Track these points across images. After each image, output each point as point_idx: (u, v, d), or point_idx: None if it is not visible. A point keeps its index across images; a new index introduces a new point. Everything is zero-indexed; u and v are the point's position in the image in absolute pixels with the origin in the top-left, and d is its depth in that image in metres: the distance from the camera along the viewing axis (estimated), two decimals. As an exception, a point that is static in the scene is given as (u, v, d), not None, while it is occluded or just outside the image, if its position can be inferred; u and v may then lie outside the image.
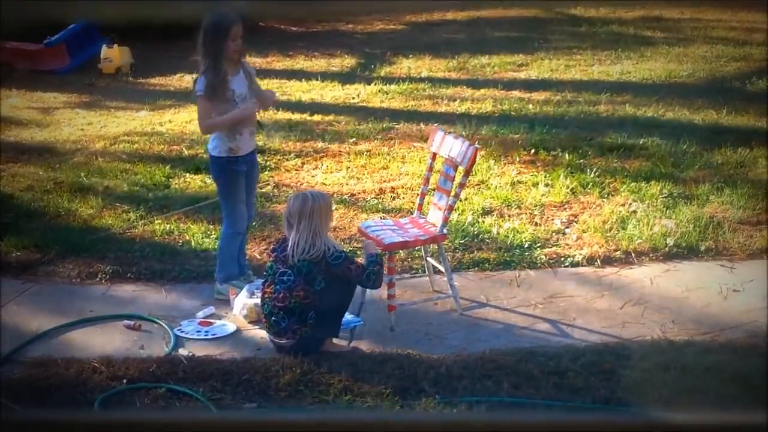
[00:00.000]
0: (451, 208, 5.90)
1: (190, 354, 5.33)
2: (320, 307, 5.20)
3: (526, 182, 8.00)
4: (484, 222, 7.14)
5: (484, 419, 1.11)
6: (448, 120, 9.97)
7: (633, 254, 6.50)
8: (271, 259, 5.41)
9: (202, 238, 6.93)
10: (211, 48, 5.61)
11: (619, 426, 1.16)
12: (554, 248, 6.67)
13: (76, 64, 13.43)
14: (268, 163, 8.78)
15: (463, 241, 6.78)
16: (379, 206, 7.60)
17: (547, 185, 7.86)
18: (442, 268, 5.91)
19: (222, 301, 6.01)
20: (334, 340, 5.37)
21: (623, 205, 7.37)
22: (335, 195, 7.77)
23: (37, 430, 1.14)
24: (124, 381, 4.99)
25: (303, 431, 1.09)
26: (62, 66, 13.32)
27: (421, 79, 12.23)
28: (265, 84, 12.27)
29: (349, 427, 1.10)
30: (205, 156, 8.76)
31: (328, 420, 1.11)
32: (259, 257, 6.62)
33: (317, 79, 12.43)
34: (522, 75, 12.56)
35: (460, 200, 6.98)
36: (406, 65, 13.34)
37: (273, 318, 5.25)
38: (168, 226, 7.18)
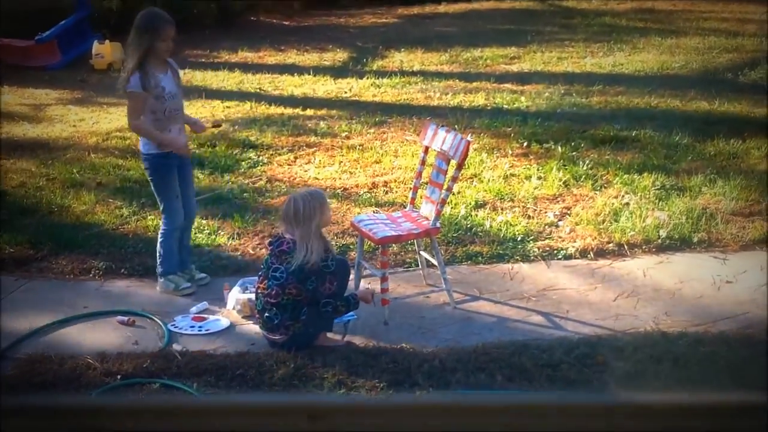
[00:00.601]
0: (443, 202, 5.90)
1: (184, 349, 5.33)
2: (313, 304, 5.20)
3: (518, 175, 8.01)
4: (477, 215, 7.15)
5: (474, 402, 1.11)
6: (440, 113, 9.98)
7: (626, 246, 6.51)
8: (267, 253, 5.40)
9: (195, 233, 6.91)
10: (143, 46, 5.64)
11: (610, 409, 1.16)
12: (547, 241, 6.68)
13: (67, 60, 13.41)
14: (260, 157, 8.78)
15: (456, 235, 6.79)
16: (372, 200, 7.60)
17: (539, 178, 7.87)
18: (435, 262, 5.91)
19: (217, 296, 6.01)
20: (328, 335, 5.37)
21: (616, 197, 7.38)
22: (328, 189, 7.77)
23: (32, 418, 1.14)
24: (118, 377, 4.99)
25: (294, 414, 1.09)
26: (54, 62, 13.30)
27: (414, 73, 12.24)
28: (257, 79, 12.29)
29: (344, 411, 1.10)
30: (197, 151, 8.77)
31: (320, 404, 1.11)
32: (252, 252, 6.61)
33: (309, 74, 12.42)
34: (514, 67, 12.57)
35: (453, 194, 6.99)
36: (398, 59, 13.34)
37: (266, 314, 5.25)
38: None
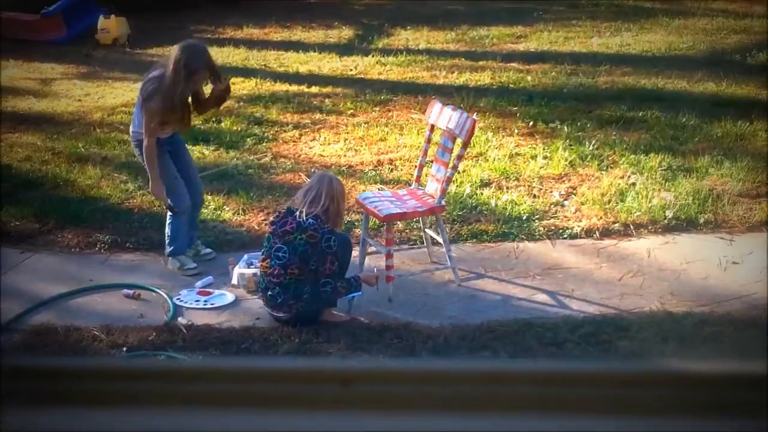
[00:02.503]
0: (449, 180, 5.89)
1: (189, 323, 5.34)
2: (315, 284, 5.20)
3: (524, 154, 7.99)
4: (482, 194, 7.14)
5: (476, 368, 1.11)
6: (446, 92, 9.95)
7: (632, 226, 6.50)
8: (269, 231, 5.40)
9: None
10: (177, 77, 5.60)
11: (617, 376, 1.16)
12: (552, 220, 6.67)
13: (73, 34, 13.37)
14: (265, 134, 8.77)
15: (461, 213, 6.78)
16: (377, 178, 7.59)
17: (545, 157, 7.85)
18: (440, 240, 5.91)
19: (223, 270, 6.02)
20: (333, 311, 5.38)
21: (622, 177, 7.36)
22: (333, 166, 7.77)
23: (35, 379, 1.14)
24: (124, 349, 5.01)
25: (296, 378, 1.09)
26: (59, 36, 13.26)
27: (420, 51, 12.20)
28: (262, 56, 12.25)
29: (342, 375, 1.10)
30: (201, 127, 8.76)
31: (322, 368, 1.11)
32: (257, 228, 6.62)
33: (315, 51, 12.39)
34: (521, 47, 12.52)
35: (459, 172, 6.97)
36: (404, 37, 13.29)
37: (269, 292, 5.25)
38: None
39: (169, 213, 6.02)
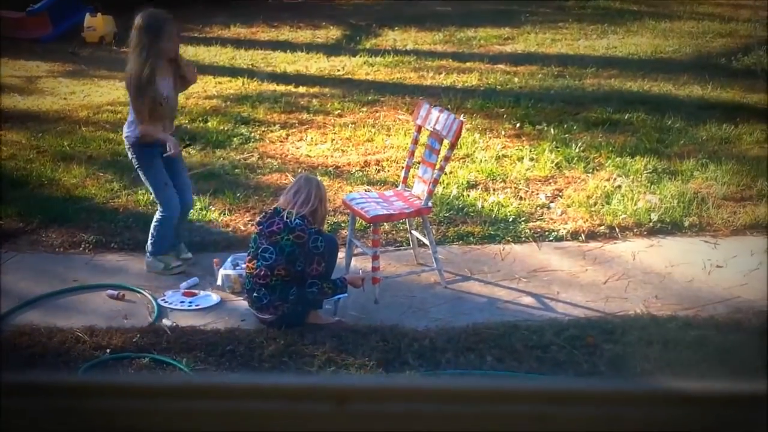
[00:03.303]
0: (436, 182, 5.89)
1: (174, 324, 5.32)
2: (302, 285, 5.19)
3: (511, 156, 8.00)
4: (468, 195, 7.14)
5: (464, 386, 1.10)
6: (433, 93, 9.96)
7: (617, 229, 6.52)
8: (255, 231, 5.38)
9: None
10: (146, 49, 5.55)
11: (602, 395, 1.15)
12: (539, 222, 6.68)
13: (58, 32, 13.31)
14: (252, 134, 8.75)
15: (447, 215, 6.78)
16: (364, 178, 7.58)
17: (532, 159, 7.86)
18: (426, 241, 5.91)
19: (208, 271, 6.00)
20: (319, 313, 5.37)
21: (608, 180, 7.38)
22: (320, 167, 7.76)
23: (18, 392, 1.12)
24: (108, 351, 4.98)
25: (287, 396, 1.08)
26: (45, 34, 13.20)
27: (407, 52, 12.20)
28: (249, 55, 12.22)
29: (334, 393, 1.09)
30: (188, 126, 8.74)
31: (315, 385, 1.10)
32: (243, 228, 6.60)
33: (302, 51, 12.37)
34: (508, 48, 12.53)
35: (445, 173, 6.97)
36: (391, 37, 13.29)
37: (255, 294, 5.24)
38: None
39: (156, 215, 5.97)
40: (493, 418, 1.07)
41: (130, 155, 5.94)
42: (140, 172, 5.93)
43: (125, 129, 5.87)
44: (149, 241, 6.01)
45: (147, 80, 5.59)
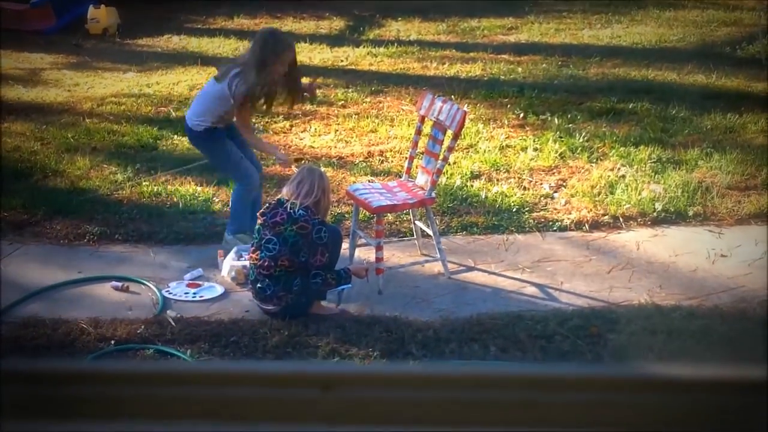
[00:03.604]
0: (439, 172, 5.89)
1: (178, 315, 5.33)
2: (305, 276, 5.19)
3: (514, 146, 7.99)
4: (472, 186, 7.14)
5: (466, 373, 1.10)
6: (437, 83, 9.93)
7: (621, 219, 6.51)
8: (259, 222, 5.38)
9: (190, 200, 6.90)
10: (263, 66, 5.77)
11: (605, 381, 1.15)
12: (542, 212, 6.67)
13: (62, 24, 13.29)
14: (256, 125, 8.74)
15: (451, 205, 6.78)
16: (368, 169, 7.58)
17: (535, 149, 7.85)
18: (430, 232, 5.91)
19: (212, 262, 6.01)
20: (322, 303, 5.38)
21: (612, 169, 7.37)
22: (324, 158, 7.76)
23: (24, 380, 1.13)
24: (112, 342, 5.00)
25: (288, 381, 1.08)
26: (48, 26, 13.19)
27: (411, 42, 12.17)
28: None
29: (333, 379, 1.09)
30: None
31: (314, 371, 1.10)
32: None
33: (306, 42, 12.34)
34: (512, 38, 12.50)
35: (449, 164, 6.97)
36: (395, 28, 13.26)
37: (258, 285, 5.24)
38: (156, 187, 7.15)
39: (235, 191, 6.15)
40: (482, 405, 1.07)
41: (197, 143, 6.18)
42: (214, 155, 6.17)
43: (193, 119, 6.01)
44: (229, 219, 6.17)
45: (258, 97, 5.84)
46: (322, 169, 5.90)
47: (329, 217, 5.95)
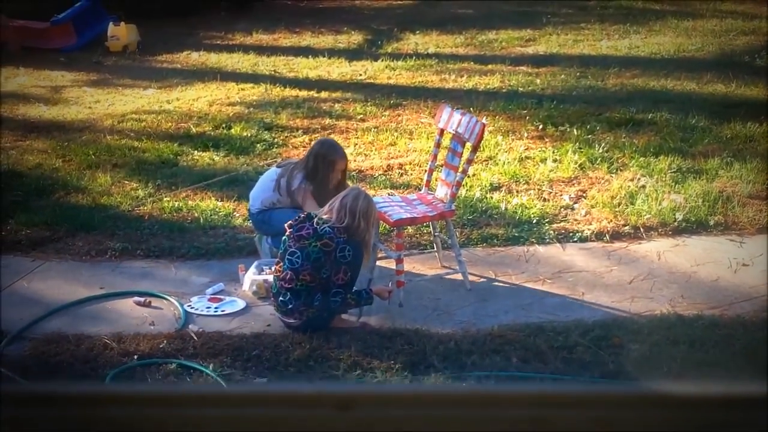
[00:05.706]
0: (459, 184, 5.90)
1: (200, 330, 5.35)
2: (326, 292, 5.20)
3: (534, 158, 7.99)
4: (492, 198, 7.14)
5: (487, 390, 1.11)
6: (455, 96, 9.95)
7: (642, 229, 6.49)
8: (286, 234, 5.38)
9: (211, 215, 6.93)
10: (314, 173, 5.99)
11: (623, 398, 1.15)
12: (563, 223, 6.67)
13: (83, 42, 13.41)
14: (275, 140, 8.79)
15: (471, 217, 6.78)
16: (387, 182, 7.59)
17: (555, 161, 7.85)
18: (450, 244, 5.91)
19: (233, 277, 6.03)
20: (343, 316, 5.38)
21: (632, 180, 7.36)
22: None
23: (44, 403, 1.14)
24: (135, 357, 5.02)
25: (310, 402, 1.09)
26: (69, 44, 13.30)
27: (429, 55, 12.20)
28: (271, 61, 12.26)
29: (355, 399, 1.10)
30: (212, 133, 8.80)
31: (336, 392, 1.11)
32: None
33: (324, 56, 12.40)
34: (530, 50, 12.52)
35: (468, 176, 6.97)
36: (413, 41, 13.30)
37: (280, 298, 5.25)
38: (177, 203, 7.19)
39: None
40: (494, 422, 1.08)
41: (257, 229, 6.31)
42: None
43: (251, 206, 6.23)
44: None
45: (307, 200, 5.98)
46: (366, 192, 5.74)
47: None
